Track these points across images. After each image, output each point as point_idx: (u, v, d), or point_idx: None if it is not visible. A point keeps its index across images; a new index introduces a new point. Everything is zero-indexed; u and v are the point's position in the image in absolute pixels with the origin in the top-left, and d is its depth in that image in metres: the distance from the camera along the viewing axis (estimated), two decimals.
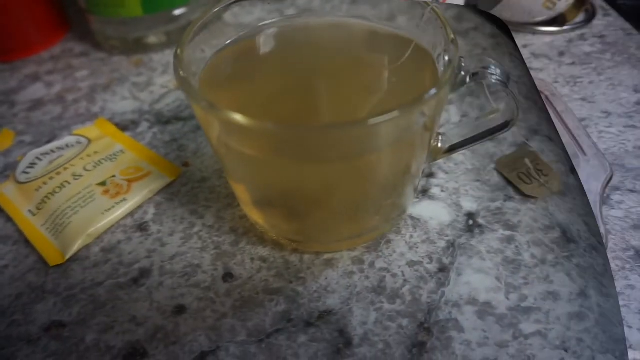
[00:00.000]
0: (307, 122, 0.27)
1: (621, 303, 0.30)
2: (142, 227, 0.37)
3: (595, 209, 0.26)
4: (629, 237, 0.34)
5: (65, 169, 0.39)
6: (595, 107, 0.46)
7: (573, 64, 0.52)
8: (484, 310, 0.25)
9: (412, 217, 0.35)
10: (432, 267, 0.30)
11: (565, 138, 0.32)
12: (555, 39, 0.56)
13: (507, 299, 0.26)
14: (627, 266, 0.32)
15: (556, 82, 0.49)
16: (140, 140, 0.45)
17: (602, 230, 0.25)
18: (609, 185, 0.38)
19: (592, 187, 0.27)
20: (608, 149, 0.41)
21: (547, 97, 0.35)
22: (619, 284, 0.31)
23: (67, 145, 0.43)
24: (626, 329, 0.29)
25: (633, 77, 0.50)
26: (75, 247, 0.34)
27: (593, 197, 0.26)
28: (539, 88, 0.35)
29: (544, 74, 0.50)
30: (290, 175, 0.27)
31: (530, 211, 0.34)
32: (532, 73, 0.51)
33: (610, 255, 0.33)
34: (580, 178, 0.29)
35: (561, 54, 0.54)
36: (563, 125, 0.33)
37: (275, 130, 0.21)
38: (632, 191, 0.37)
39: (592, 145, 0.30)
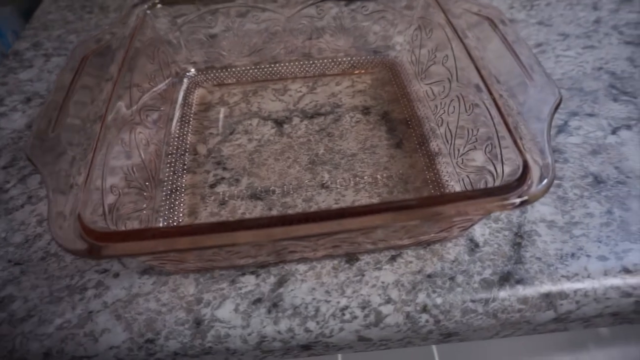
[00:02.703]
0: None
1: (579, 232, 0.29)
2: None
3: (543, 138, 0.24)
4: (587, 163, 0.33)
5: None
6: (553, 30, 0.43)
7: None
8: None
9: None
10: None
11: (516, 69, 0.29)
12: None
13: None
14: (586, 194, 0.31)
15: (512, 7, 0.46)
16: None
17: (549, 160, 0.23)
18: (567, 111, 0.36)
19: (542, 114, 0.25)
20: (566, 73, 0.39)
21: (495, 25, 0.32)
22: (578, 213, 0.30)
23: None
24: (585, 259, 0.28)
25: None
26: None
27: (541, 125, 0.25)
28: (488, 16, 0.33)
29: (498, 0, 0.47)
30: None
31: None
32: (485, 2, 0.48)
33: (568, 184, 0.32)
34: (529, 105, 0.27)
35: None
36: (514, 56, 0.30)
37: None
38: (590, 115, 0.36)
39: (542, 73, 0.28)
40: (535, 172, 0.22)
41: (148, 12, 0.36)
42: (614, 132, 0.34)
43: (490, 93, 0.28)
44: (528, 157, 0.23)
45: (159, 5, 0.37)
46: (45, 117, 0.28)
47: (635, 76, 0.38)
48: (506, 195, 0.22)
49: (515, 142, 0.25)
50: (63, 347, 0.26)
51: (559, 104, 0.26)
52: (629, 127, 0.35)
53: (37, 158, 0.26)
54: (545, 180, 0.22)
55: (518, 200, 0.22)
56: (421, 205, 0.21)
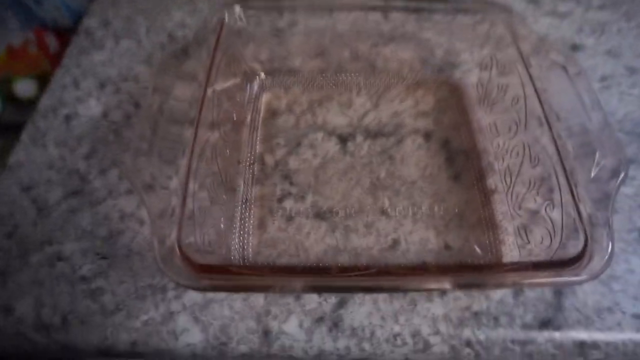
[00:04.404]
0: None
1: (618, 288, 0.31)
2: None
3: (606, 219, 0.26)
4: (636, 217, 0.34)
5: None
6: (620, 62, 0.43)
7: (601, 7, 0.48)
8: None
9: None
10: None
11: (587, 132, 0.29)
12: None
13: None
14: (630, 249, 0.33)
15: (581, 31, 0.46)
16: None
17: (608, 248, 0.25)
18: None
19: (608, 187, 0.27)
20: (628, 114, 0.40)
21: (570, 77, 0.32)
22: (619, 268, 0.32)
23: None
24: (620, 314, 0.30)
25: None
26: None
27: (605, 200, 0.26)
28: (563, 65, 0.33)
29: (567, 21, 0.47)
30: None
31: None
32: (555, 21, 0.47)
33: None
34: (596, 174, 0.28)
35: None
36: (586, 117, 0.30)
37: None
38: None
39: (614, 141, 0.29)
40: (593, 254, 0.24)
41: (226, 14, 0.37)
42: None
43: (560, 158, 0.29)
44: (589, 237, 0.25)
45: (237, 8, 0.37)
46: (141, 130, 0.30)
47: None
48: (561, 271, 0.24)
49: (579, 216, 0.26)
50: (148, 341, 0.30)
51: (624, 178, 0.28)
52: None
53: (132, 174, 0.28)
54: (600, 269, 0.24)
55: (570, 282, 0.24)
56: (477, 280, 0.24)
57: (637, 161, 0.37)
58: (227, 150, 0.35)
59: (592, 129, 0.30)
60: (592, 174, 0.28)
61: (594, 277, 0.24)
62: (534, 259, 0.30)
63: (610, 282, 0.32)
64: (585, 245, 0.25)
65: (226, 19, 0.37)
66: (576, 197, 0.28)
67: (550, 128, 0.31)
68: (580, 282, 0.24)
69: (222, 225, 0.32)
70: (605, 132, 0.30)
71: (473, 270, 0.27)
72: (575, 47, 0.44)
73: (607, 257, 0.24)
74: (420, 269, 0.30)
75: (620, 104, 0.40)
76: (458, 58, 0.42)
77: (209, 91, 0.33)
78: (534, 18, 0.47)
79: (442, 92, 0.41)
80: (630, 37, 0.45)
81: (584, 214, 0.27)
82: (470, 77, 0.41)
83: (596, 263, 0.24)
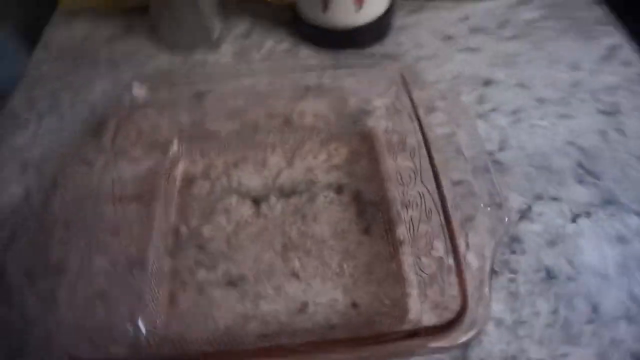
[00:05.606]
0: None
1: (524, 333, 0.31)
2: None
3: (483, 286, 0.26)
4: (543, 255, 0.35)
5: None
6: (531, 94, 0.44)
7: (511, 38, 0.49)
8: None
9: None
10: None
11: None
12: (497, 5, 0.52)
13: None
14: (537, 290, 0.33)
15: (492, 64, 0.47)
16: None
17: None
18: (533, 194, 0.38)
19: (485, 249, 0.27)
20: (538, 147, 0.40)
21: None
22: (525, 312, 0.32)
23: None
24: None
25: (574, 49, 0.47)
26: None
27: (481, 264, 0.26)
28: (457, 122, 0.33)
29: (480, 55, 0.48)
30: None
31: None
32: (469, 57, 0.48)
33: (521, 279, 0.34)
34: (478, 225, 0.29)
35: (501, 25, 0.50)
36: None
37: None
38: (554, 199, 0.37)
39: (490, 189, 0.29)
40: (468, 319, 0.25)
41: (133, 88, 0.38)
42: (573, 220, 0.36)
43: (445, 210, 0.30)
44: (469, 302, 0.25)
45: (136, 85, 0.38)
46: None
47: (604, 154, 0.39)
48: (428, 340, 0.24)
49: (459, 278, 0.27)
50: None
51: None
52: (588, 214, 0.36)
53: None
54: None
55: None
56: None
57: (544, 197, 0.37)
58: (140, 225, 0.36)
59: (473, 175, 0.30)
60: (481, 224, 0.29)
61: (457, 346, 0.24)
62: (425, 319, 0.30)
63: (517, 328, 0.32)
64: (461, 310, 0.25)
65: (134, 93, 0.38)
66: (459, 254, 0.28)
67: (435, 178, 0.31)
68: (443, 351, 0.25)
69: (132, 302, 0.32)
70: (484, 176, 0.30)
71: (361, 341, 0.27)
72: (487, 82, 0.45)
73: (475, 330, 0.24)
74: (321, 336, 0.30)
75: (530, 137, 0.41)
76: (369, 105, 0.43)
77: (122, 165, 0.35)
78: (449, 55, 0.48)
79: (355, 142, 0.42)
80: (540, 66, 0.46)
81: (466, 272, 0.27)
82: (381, 124, 0.42)
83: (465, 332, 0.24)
